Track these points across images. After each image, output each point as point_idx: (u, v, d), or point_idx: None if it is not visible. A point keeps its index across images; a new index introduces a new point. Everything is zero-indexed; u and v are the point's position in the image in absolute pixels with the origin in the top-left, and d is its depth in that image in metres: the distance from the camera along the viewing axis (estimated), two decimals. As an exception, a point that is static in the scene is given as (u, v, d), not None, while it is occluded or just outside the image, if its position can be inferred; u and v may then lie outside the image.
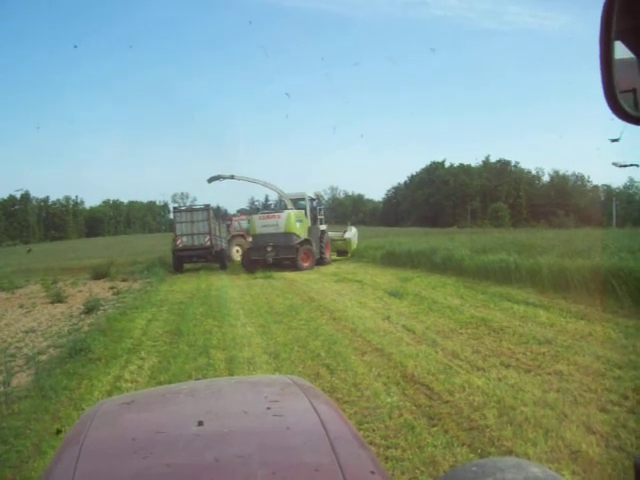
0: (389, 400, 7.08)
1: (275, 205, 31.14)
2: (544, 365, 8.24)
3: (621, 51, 1.59)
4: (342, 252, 33.89)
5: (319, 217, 30.95)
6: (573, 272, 13.84)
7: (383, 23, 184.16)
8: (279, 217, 28.14)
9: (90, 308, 16.57)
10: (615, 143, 1.87)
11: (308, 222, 29.45)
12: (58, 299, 20.17)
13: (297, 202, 30.49)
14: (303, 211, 29.64)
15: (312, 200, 31.08)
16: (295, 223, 27.84)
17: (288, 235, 27.57)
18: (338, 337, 10.90)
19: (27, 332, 14.03)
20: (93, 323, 14.27)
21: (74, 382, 8.89)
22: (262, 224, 28.46)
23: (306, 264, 27.83)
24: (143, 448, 1.87)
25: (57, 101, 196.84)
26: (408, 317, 12.62)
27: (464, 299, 14.54)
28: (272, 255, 27.73)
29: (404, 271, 23.09)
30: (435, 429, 6.08)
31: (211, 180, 30.45)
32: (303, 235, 28.22)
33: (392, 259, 27.22)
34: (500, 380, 7.65)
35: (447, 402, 6.90)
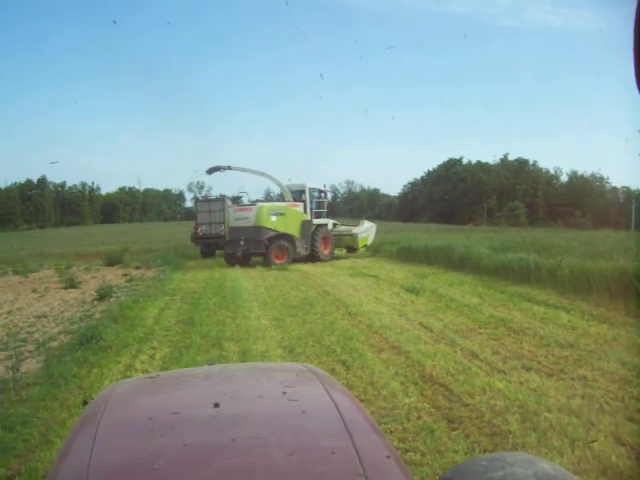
0: (407, 400, 6.86)
1: (277, 197, 29.95)
2: (567, 369, 7.98)
3: None
4: (351, 248, 32.12)
5: (322, 210, 29.85)
6: (595, 274, 13.51)
7: (404, 18, 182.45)
8: (250, 210, 27.16)
9: (103, 295, 16.44)
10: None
11: (306, 215, 28.41)
12: (71, 284, 20.09)
13: (297, 194, 29.38)
14: (300, 204, 28.56)
15: (315, 192, 29.98)
16: (268, 216, 26.64)
17: (258, 229, 26.44)
18: (354, 333, 10.68)
19: (39, 317, 13.92)
20: (105, 310, 14.13)
21: (84, 370, 8.72)
22: (235, 217, 27.72)
23: (279, 260, 26.60)
24: (160, 427, 1.89)
25: (74, 86, 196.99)
26: (425, 314, 12.38)
27: (482, 298, 14.26)
28: (243, 249, 26.74)
29: (420, 267, 22.84)
30: (455, 433, 5.84)
31: (211, 171, 29.51)
32: (282, 229, 27.03)
33: (408, 255, 26.90)
34: (522, 384, 7.40)
35: (467, 405, 6.66)
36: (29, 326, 12.80)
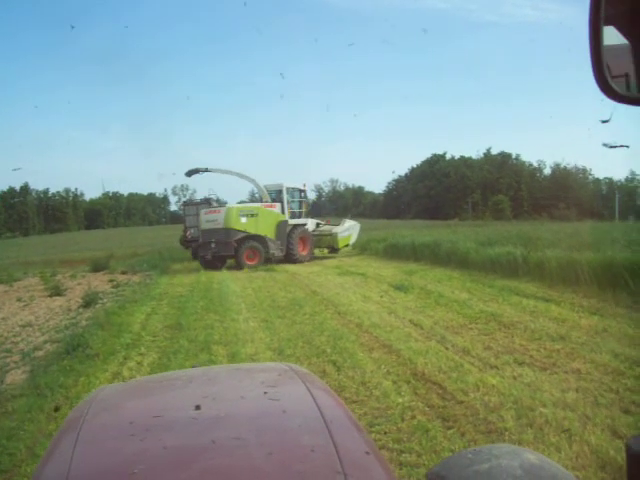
0: (400, 400, 6.76)
1: (254, 198, 29.38)
2: (560, 363, 7.91)
3: (614, 37, 1.59)
4: (332, 248, 31.34)
5: (301, 210, 29.49)
6: (583, 265, 13.47)
7: (383, 14, 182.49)
8: (219, 212, 26.82)
9: (89, 301, 16.26)
10: (606, 125, 1.95)
11: (283, 215, 28.04)
12: (57, 292, 19.87)
13: (275, 194, 28.93)
14: (277, 204, 28.16)
15: (294, 192, 29.65)
16: (237, 218, 26.28)
17: (227, 231, 26.02)
18: (344, 332, 10.58)
19: (24, 326, 13.72)
20: (91, 317, 13.94)
21: (71, 379, 8.56)
22: (206, 219, 27.32)
23: (251, 262, 26.18)
24: (141, 431, 1.88)
25: (55, 93, 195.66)
26: (415, 311, 12.30)
27: (471, 293, 14.21)
28: (213, 251, 26.37)
29: (407, 264, 22.78)
30: (451, 432, 5.75)
31: (190, 174, 29.00)
32: (252, 230, 26.59)
33: (395, 252, 26.86)
34: (515, 379, 7.32)
35: (461, 402, 6.57)
36: (14, 336, 12.60)
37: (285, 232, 27.80)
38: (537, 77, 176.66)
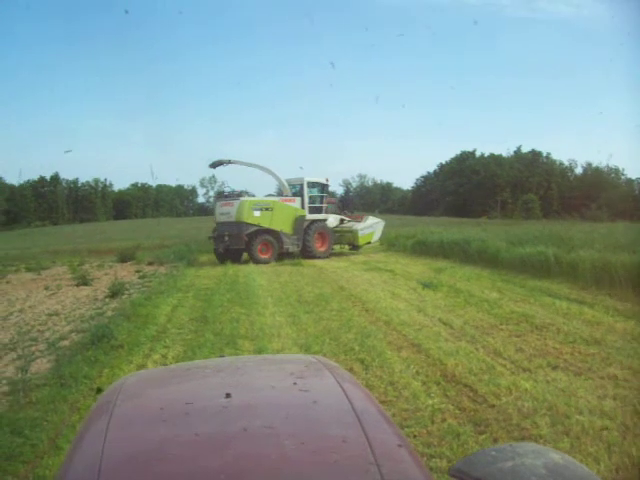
0: (430, 402, 6.58)
1: (280, 192, 28.45)
2: (595, 368, 7.67)
3: None
4: (354, 245, 30.13)
5: (322, 205, 28.73)
6: (618, 268, 13.15)
7: (415, 7, 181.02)
8: (232, 205, 26.34)
9: (115, 292, 16.25)
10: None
11: (302, 210, 27.46)
12: (83, 282, 19.91)
13: (295, 187, 28.36)
14: (297, 199, 27.58)
15: (315, 186, 28.85)
16: (250, 211, 25.78)
17: (239, 224, 25.60)
18: (372, 330, 10.39)
19: (50, 315, 13.72)
20: (117, 308, 13.91)
21: (95, 370, 8.50)
22: (220, 212, 27.00)
23: (264, 256, 25.83)
24: (172, 417, 1.90)
25: (86, 85, 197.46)
26: (444, 310, 12.07)
27: (502, 293, 13.93)
28: (226, 245, 25.99)
29: (436, 261, 22.49)
30: (483, 437, 5.55)
31: (214, 165, 28.58)
32: (266, 224, 26.07)
33: (423, 249, 26.55)
34: (549, 383, 7.10)
35: (493, 406, 6.36)
36: (40, 325, 12.61)
37: (302, 227, 27.35)
38: (571, 75, 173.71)
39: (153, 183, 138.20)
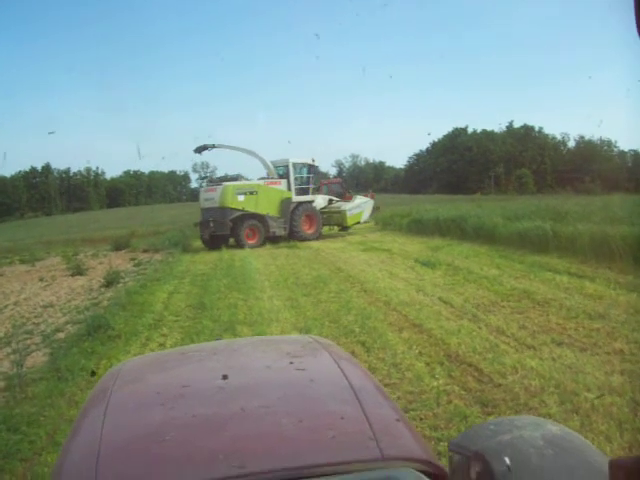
0: (435, 383, 6.44)
1: (267, 174, 27.96)
2: (600, 343, 7.53)
3: None
4: (343, 226, 29.92)
5: (308, 186, 28.27)
6: (617, 240, 13.00)
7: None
8: (215, 190, 26.02)
9: (110, 281, 16.09)
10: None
11: (289, 192, 27.07)
12: (78, 271, 19.73)
13: (281, 169, 27.88)
14: (283, 181, 27.23)
15: (302, 167, 28.38)
16: (234, 196, 25.37)
17: (223, 210, 25.23)
18: (372, 311, 10.26)
19: (45, 307, 13.58)
20: (113, 297, 13.76)
21: (92, 362, 8.35)
22: (204, 197, 26.72)
23: (251, 241, 25.50)
24: (169, 400, 1.91)
25: (74, 72, 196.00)
26: (444, 289, 11.94)
27: (501, 269, 13.78)
28: (211, 231, 25.66)
29: (433, 239, 22.32)
30: (491, 418, 5.41)
31: (199, 150, 28.12)
32: (252, 208, 25.71)
33: (419, 227, 26.34)
34: (554, 360, 6.97)
35: (499, 386, 6.24)
36: (35, 317, 12.46)
37: (289, 210, 26.98)
38: (560, 47, 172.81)
39: (140, 166, 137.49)
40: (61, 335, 10.46)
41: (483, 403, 5.80)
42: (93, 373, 7.55)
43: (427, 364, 7.17)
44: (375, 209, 32.42)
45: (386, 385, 6.43)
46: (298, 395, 1.95)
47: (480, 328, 8.64)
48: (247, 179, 28.09)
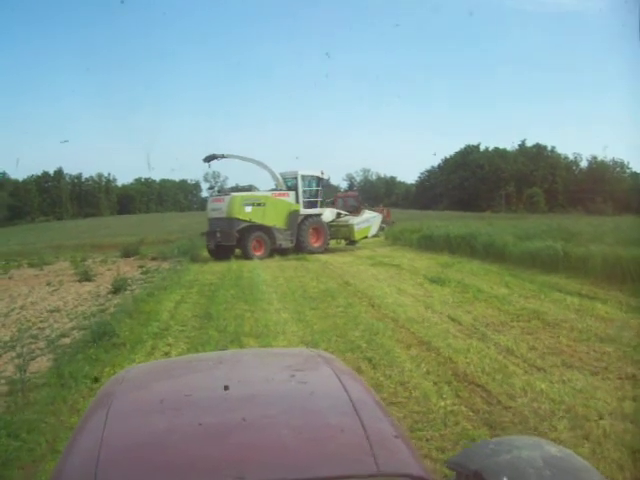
0: (442, 403, 6.33)
1: (276, 186, 27.81)
2: (612, 367, 7.41)
3: None
4: (351, 240, 29.67)
5: (317, 199, 28.00)
6: (630, 262, 12.85)
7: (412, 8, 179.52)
8: (223, 201, 25.89)
9: (117, 288, 16.06)
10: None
11: (297, 204, 26.87)
12: (86, 277, 19.74)
13: (290, 181, 27.64)
14: (291, 193, 26.98)
15: (311, 180, 28.03)
16: (241, 207, 25.22)
17: (230, 220, 25.05)
18: (379, 327, 10.14)
19: (52, 312, 13.55)
20: (120, 304, 13.69)
21: (96, 370, 8.28)
22: (211, 207, 26.61)
23: (258, 253, 25.22)
24: (172, 408, 1.93)
25: (85, 81, 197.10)
26: (452, 306, 11.82)
27: (511, 288, 13.65)
28: (217, 241, 25.40)
29: (442, 256, 22.14)
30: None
31: (208, 160, 28.06)
32: (259, 220, 25.46)
33: (429, 243, 26.17)
34: (565, 383, 6.85)
35: (508, 408, 6.12)
36: (41, 321, 12.43)
37: (296, 222, 26.77)
38: (575, 68, 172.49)
39: (150, 175, 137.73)
40: (66, 340, 10.40)
41: (491, 425, 5.69)
42: (96, 379, 7.51)
43: (435, 383, 7.06)
44: (391, 223, 32.53)
45: (392, 404, 6.33)
46: (299, 407, 1.96)
47: (489, 348, 8.52)
48: (259, 190, 27.99)
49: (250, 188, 28.05)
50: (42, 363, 8.99)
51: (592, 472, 1.85)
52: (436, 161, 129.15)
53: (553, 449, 1.93)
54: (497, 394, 6.54)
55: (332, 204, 32.25)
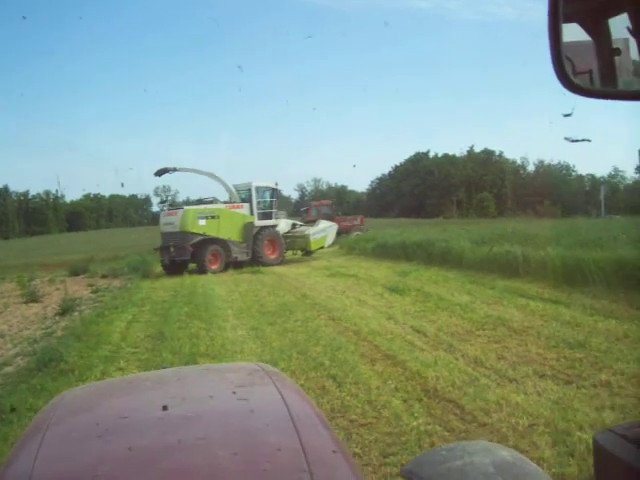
0: (414, 423, 5.94)
1: (230, 198, 27.68)
2: (585, 374, 7.14)
3: (578, 34, 1.66)
4: (307, 251, 29.82)
5: (271, 211, 28.01)
6: (590, 264, 12.72)
7: (361, 10, 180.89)
8: (176, 214, 25.69)
9: (65, 309, 15.37)
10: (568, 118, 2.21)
11: (251, 216, 26.88)
12: (33, 298, 18.99)
13: (244, 193, 27.69)
14: (245, 205, 27.02)
15: (265, 191, 28.24)
16: (195, 220, 25.08)
17: (183, 234, 24.86)
18: (341, 341, 9.76)
19: (-5, 337, 12.79)
20: (68, 326, 13.06)
21: (41, 401, 7.63)
22: (164, 222, 26.36)
23: (214, 267, 25.06)
24: (106, 432, 1.85)
25: (37, 94, 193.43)
26: (415, 316, 11.51)
27: (473, 295, 13.41)
28: (172, 256, 25.23)
29: (399, 264, 21.95)
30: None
31: (159, 173, 27.65)
32: (213, 233, 25.44)
33: (384, 251, 26.04)
34: (540, 395, 6.54)
35: (485, 425, 5.78)
36: (-17, 349, 11.70)
37: (251, 234, 26.63)
38: (516, 73, 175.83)
39: (99, 190, 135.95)
40: (9, 369, 9.76)
41: (469, 446, 5.32)
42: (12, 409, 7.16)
43: (404, 401, 6.69)
44: (365, 230, 34.07)
45: (361, 425, 5.97)
46: (237, 426, 1.90)
47: (457, 359, 8.20)
48: (220, 202, 27.59)
49: (213, 201, 27.62)
50: (-18, 396, 8.36)
51: (543, 477, 1.86)
52: (386, 169, 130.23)
53: (505, 454, 1.90)
54: (471, 410, 6.19)
55: (306, 212, 32.23)
